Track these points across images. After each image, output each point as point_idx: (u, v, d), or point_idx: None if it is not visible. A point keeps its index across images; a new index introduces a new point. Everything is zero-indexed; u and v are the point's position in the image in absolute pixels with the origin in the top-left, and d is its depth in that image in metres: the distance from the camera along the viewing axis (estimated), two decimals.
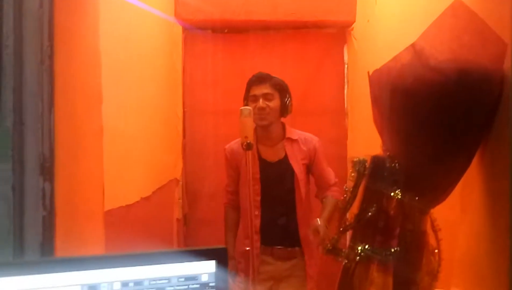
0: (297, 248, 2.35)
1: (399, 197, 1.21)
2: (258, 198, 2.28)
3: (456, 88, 1.15)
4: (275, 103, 2.32)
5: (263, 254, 2.29)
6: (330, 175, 2.39)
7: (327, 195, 2.34)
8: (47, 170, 1.00)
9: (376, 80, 1.27)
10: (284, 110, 2.35)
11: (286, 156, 2.37)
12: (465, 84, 1.14)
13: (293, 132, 2.41)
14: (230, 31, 3.38)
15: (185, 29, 3.32)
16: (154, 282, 0.80)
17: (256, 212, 2.24)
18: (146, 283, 0.80)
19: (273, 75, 2.37)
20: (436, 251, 1.31)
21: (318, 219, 2.20)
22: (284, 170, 2.35)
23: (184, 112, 3.37)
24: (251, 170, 2.18)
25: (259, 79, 2.34)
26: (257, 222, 2.26)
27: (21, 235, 0.97)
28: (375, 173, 1.22)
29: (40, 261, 0.89)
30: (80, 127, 1.21)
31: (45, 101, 1.00)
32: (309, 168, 2.39)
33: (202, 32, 3.37)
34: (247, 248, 2.24)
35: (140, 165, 2.34)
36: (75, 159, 1.16)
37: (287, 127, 2.42)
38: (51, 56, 1.00)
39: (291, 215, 2.35)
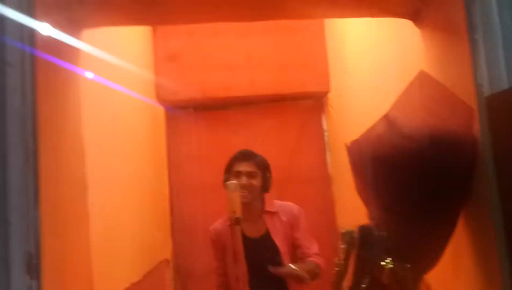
0: None
1: (391, 266, 1.20)
2: (244, 277, 2.20)
3: (430, 154, 1.18)
4: (257, 181, 2.31)
5: None
6: (312, 245, 2.29)
7: (307, 259, 2.24)
8: (33, 268, 0.97)
9: (354, 151, 1.31)
10: (265, 187, 2.33)
11: (267, 231, 2.31)
12: (438, 149, 1.18)
13: (272, 204, 2.36)
14: (211, 108, 3.46)
15: (167, 110, 3.39)
16: None
17: None
18: None
19: (256, 152, 2.39)
20: None
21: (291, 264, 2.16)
22: (267, 246, 2.28)
23: (170, 189, 3.36)
24: (236, 249, 2.16)
25: (244, 156, 2.34)
26: None
27: None
28: (364, 243, 1.22)
29: None
30: (66, 218, 1.21)
31: (30, 198, 0.99)
32: (292, 238, 2.31)
33: (183, 111, 3.44)
34: None
35: (129, 249, 2.29)
36: (62, 253, 1.15)
37: (266, 199, 2.40)
38: (35, 153, 1.01)
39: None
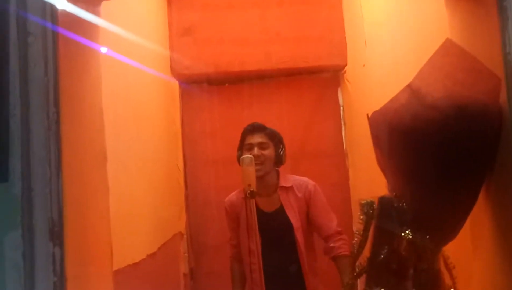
0: None
1: (410, 237, 1.20)
2: (257, 249, 2.21)
3: (455, 124, 1.16)
4: (269, 152, 2.33)
5: None
6: (331, 221, 2.30)
7: (336, 253, 2.24)
8: (56, 235, 0.99)
9: (376, 122, 1.29)
10: (278, 159, 2.36)
11: (281, 206, 2.34)
12: (463, 119, 1.16)
13: (287, 179, 2.38)
14: (226, 82, 3.45)
15: (181, 84, 3.38)
16: None
17: (255, 264, 2.19)
18: None
19: (268, 126, 2.40)
20: (452, 289, 1.28)
21: None
22: (281, 220, 2.32)
23: (184, 163, 3.38)
24: (252, 222, 2.18)
25: (254, 128, 2.37)
26: (256, 275, 2.20)
27: None
28: (383, 214, 1.21)
29: None
30: (87, 188, 1.22)
31: (53, 166, 1.00)
32: (308, 215, 2.34)
33: (198, 86, 3.43)
34: None
35: (145, 221, 2.33)
36: (83, 222, 1.16)
37: (281, 174, 2.40)
38: (57, 122, 1.02)
39: (293, 267, 2.31)
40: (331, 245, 2.26)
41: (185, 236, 3.23)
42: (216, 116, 3.37)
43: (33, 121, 0.99)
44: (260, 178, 2.28)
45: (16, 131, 0.97)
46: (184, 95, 3.43)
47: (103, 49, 1.76)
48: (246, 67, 3.27)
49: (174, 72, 3.24)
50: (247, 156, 2.16)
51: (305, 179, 2.41)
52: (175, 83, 3.34)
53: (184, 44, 3.26)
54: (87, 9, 1.35)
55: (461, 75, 1.19)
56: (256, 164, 2.22)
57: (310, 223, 2.35)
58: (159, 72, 2.90)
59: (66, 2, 1.16)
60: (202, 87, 3.44)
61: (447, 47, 1.22)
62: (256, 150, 2.30)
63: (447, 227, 1.27)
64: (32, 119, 0.99)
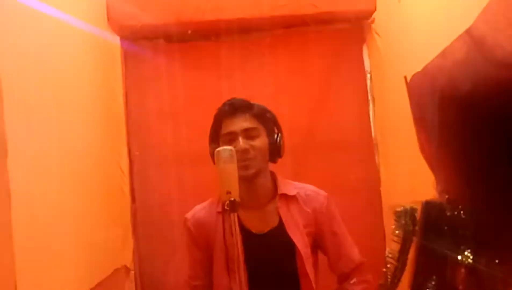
0: None
1: (470, 261, 1.20)
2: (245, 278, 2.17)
3: None
4: (261, 142, 2.26)
5: None
6: (352, 250, 2.33)
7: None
8: None
9: (419, 88, 1.29)
10: (274, 151, 2.32)
11: (281, 224, 2.29)
12: None
13: (289, 186, 2.37)
14: (192, 38, 3.42)
15: (124, 42, 3.35)
16: None
17: None
18: None
19: (252, 102, 2.34)
20: None
21: None
22: (279, 245, 2.29)
23: (130, 163, 3.37)
24: (230, 248, 2.15)
25: (236, 108, 2.27)
26: None
27: None
28: (430, 227, 1.21)
29: None
30: None
31: None
32: (317, 241, 2.35)
33: (149, 44, 3.41)
34: None
35: (71, 251, 2.31)
36: None
37: (279, 178, 2.37)
38: None
39: None
40: (349, 288, 2.29)
41: (132, 272, 3.23)
42: (178, 88, 3.36)
43: None
44: (248, 181, 2.24)
45: None
46: (129, 58, 3.40)
47: None
48: (223, 15, 3.23)
49: (113, 23, 3.20)
50: (225, 148, 2.12)
51: (312, 187, 2.40)
52: (115, 40, 3.31)
53: None
54: None
55: None
56: (242, 161, 2.21)
57: (323, 253, 2.36)
58: (90, 25, 2.87)
59: None
60: (157, 45, 3.42)
61: None
62: (241, 141, 2.23)
63: None
64: None
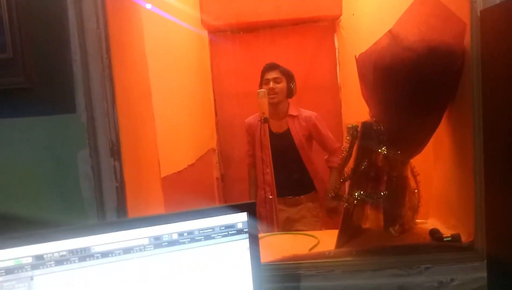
0: (302, 196, 2.34)
1: (385, 152, 1.18)
2: (268, 159, 2.21)
3: (426, 62, 1.09)
4: (282, 86, 2.27)
5: (278, 203, 2.24)
6: (332, 141, 2.33)
7: (332, 165, 2.29)
8: (115, 152, 1.00)
9: (362, 62, 1.22)
10: (289, 92, 2.30)
11: (288, 129, 2.33)
12: (433, 58, 1.09)
13: (294, 110, 2.34)
14: (245, 31, 3.31)
15: (209, 34, 3.27)
16: (202, 231, 0.81)
17: (267, 170, 2.22)
18: (196, 232, 0.81)
19: (281, 65, 2.32)
20: (416, 191, 1.28)
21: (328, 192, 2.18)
22: (286, 139, 2.32)
23: (214, 96, 3.35)
24: (265, 139, 2.18)
25: (271, 66, 2.31)
26: (268, 177, 2.21)
27: (102, 203, 0.98)
28: (365, 135, 1.18)
29: (117, 221, 0.91)
30: (137, 117, 1.21)
31: (109, 100, 0.99)
32: (311, 137, 2.34)
33: (223, 34, 3.31)
34: (270, 197, 2.26)
35: (185, 140, 2.35)
36: (135, 142, 1.17)
37: (291, 106, 2.36)
38: (109, 66, 0.99)
39: (295, 172, 2.32)
40: (332, 158, 2.31)
41: (216, 151, 3.28)
42: (238, 58, 3.27)
43: (91, 66, 0.96)
44: (274, 106, 2.26)
45: (78, 73, 0.95)
46: (212, 42, 3.32)
47: (148, 6, 1.67)
48: (260, 18, 3.11)
49: (204, 24, 3.11)
50: (261, 90, 2.10)
51: (309, 112, 2.36)
52: (205, 33, 3.22)
53: (211, 1, 3.10)
54: None
55: (433, 21, 1.10)
56: (271, 94, 2.20)
57: (317, 144, 2.36)
58: (191, 26, 2.78)
59: None
60: (226, 35, 3.31)
61: None
62: (271, 84, 2.26)
63: (415, 144, 1.24)
64: (90, 63, 0.96)
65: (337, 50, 3.28)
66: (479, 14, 0.99)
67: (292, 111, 2.34)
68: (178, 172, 2.00)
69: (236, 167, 3.32)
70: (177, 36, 2.33)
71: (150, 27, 1.56)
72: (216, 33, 3.29)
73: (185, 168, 2.20)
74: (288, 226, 2.34)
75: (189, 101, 2.54)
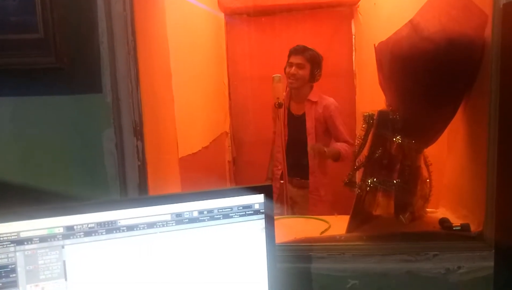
0: (307, 181, 2.36)
1: (399, 141, 1.20)
2: (285, 140, 2.29)
3: (445, 53, 1.10)
4: (304, 72, 2.25)
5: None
6: (343, 132, 2.30)
7: (336, 145, 2.28)
8: (138, 132, 1.04)
9: (381, 50, 1.23)
10: (312, 78, 2.27)
11: (303, 113, 2.34)
12: (453, 50, 1.09)
13: (315, 95, 2.32)
14: (261, 14, 3.28)
15: (226, 16, 3.26)
16: (221, 210, 0.85)
17: (279, 150, 2.27)
18: (215, 211, 0.85)
19: (309, 48, 2.27)
20: (428, 180, 1.30)
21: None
22: (301, 122, 2.33)
23: (229, 80, 3.36)
24: (281, 122, 2.21)
25: (296, 50, 2.28)
26: (280, 156, 2.28)
27: (124, 180, 1.03)
28: (380, 123, 1.20)
29: (139, 198, 0.96)
30: (158, 98, 1.25)
31: (133, 82, 1.03)
32: (326, 125, 2.32)
33: (239, 17, 3.30)
34: (282, 181, 2.30)
35: (200, 122, 2.39)
36: (156, 122, 1.21)
37: (313, 90, 2.34)
38: (134, 48, 1.02)
39: (304, 156, 2.34)
40: (338, 145, 2.30)
41: (229, 134, 3.31)
42: (253, 42, 3.27)
43: (117, 47, 0.99)
44: (295, 90, 2.29)
45: (105, 55, 0.99)
46: (228, 25, 3.31)
47: None
48: (277, 1, 3.10)
49: (221, 6, 3.10)
50: (276, 75, 2.11)
51: (331, 100, 2.33)
52: (221, 15, 3.21)
53: None
54: None
55: (454, 12, 1.10)
56: (291, 79, 2.23)
57: (330, 131, 2.35)
58: (209, 7, 2.78)
59: None
60: (242, 18, 3.30)
61: None
62: (293, 69, 2.26)
63: (429, 134, 1.26)
64: (116, 45, 1.00)
65: (353, 37, 3.24)
66: (502, 7, 0.99)
67: (313, 96, 2.33)
68: (193, 153, 2.05)
69: (248, 151, 3.36)
70: (194, 18, 2.35)
71: (169, 8, 1.57)
72: (233, 16, 3.28)
73: (200, 150, 2.24)
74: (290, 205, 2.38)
75: (204, 84, 2.56)
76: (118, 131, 1.02)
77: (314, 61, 2.26)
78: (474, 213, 1.16)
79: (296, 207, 2.37)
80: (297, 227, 1.35)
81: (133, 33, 1.01)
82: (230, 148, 3.34)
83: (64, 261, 0.77)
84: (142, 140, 1.05)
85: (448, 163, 1.36)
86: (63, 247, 0.77)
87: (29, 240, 0.74)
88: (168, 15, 1.42)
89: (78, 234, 0.77)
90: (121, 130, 1.02)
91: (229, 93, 3.37)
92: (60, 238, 0.77)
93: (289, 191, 2.34)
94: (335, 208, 2.27)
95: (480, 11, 1.08)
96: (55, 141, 0.99)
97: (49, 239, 0.76)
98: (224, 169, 3.17)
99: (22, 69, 0.95)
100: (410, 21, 1.13)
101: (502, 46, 1.00)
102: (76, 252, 0.78)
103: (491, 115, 1.05)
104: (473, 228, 1.15)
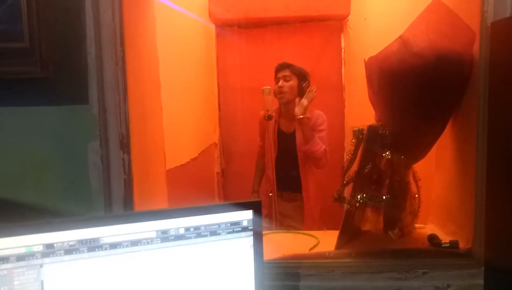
0: (298, 194, 2.32)
1: (389, 156, 1.20)
2: (274, 155, 2.25)
3: (434, 69, 1.10)
4: (292, 84, 2.23)
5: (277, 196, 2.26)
6: (324, 139, 2.22)
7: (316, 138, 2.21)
8: (125, 145, 1.02)
9: (371, 65, 1.23)
10: (300, 91, 2.22)
11: (294, 130, 2.29)
12: (441, 65, 1.10)
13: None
14: (252, 26, 3.29)
15: (217, 28, 3.26)
16: (208, 227, 0.83)
17: (270, 166, 2.25)
18: (202, 228, 0.82)
19: (293, 64, 2.28)
20: (417, 195, 1.30)
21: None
22: (292, 140, 2.29)
23: (218, 91, 3.35)
24: (271, 137, 2.18)
25: (281, 66, 2.27)
26: (270, 173, 2.26)
27: (109, 194, 1.00)
28: (370, 138, 1.20)
29: (126, 214, 0.93)
30: (146, 109, 1.23)
31: (121, 93, 1.00)
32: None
33: (230, 29, 3.30)
34: (270, 194, 2.27)
35: (189, 134, 2.36)
36: (144, 135, 1.18)
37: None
38: (123, 58, 1.00)
39: (295, 168, 2.31)
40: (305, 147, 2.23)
41: (218, 145, 3.29)
42: (244, 53, 3.27)
43: (104, 57, 0.97)
44: (284, 105, 2.25)
45: (92, 65, 0.96)
46: (219, 36, 3.31)
47: None
48: (268, 14, 3.10)
49: (212, 18, 3.10)
50: (266, 87, 2.11)
51: (319, 113, 2.28)
52: (212, 26, 3.21)
53: None
54: None
55: (443, 29, 1.11)
56: (279, 94, 2.21)
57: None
58: (200, 18, 2.78)
59: None
60: (233, 30, 3.30)
61: (435, 5, 1.13)
62: (280, 82, 2.24)
63: (418, 150, 1.26)
64: (104, 55, 0.98)
65: (343, 50, 3.27)
66: (489, 25, 1.00)
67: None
68: (181, 165, 2.01)
69: (237, 162, 3.33)
70: (185, 29, 2.34)
71: (159, 18, 1.56)
72: (224, 27, 3.29)
73: (188, 161, 2.21)
74: (280, 220, 2.35)
75: (194, 94, 2.55)
76: (104, 143, 0.99)
77: (300, 74, 2.25)
78: (463, 230, 1.15)
79: (288, 221, 2.34)
80: (286, 243, 1.33)
81: (122, 43, 0.99)
82: (219, 159, 3.32)
83: (42, 281, 0.73)
84: (128, 153, 1.02)
85: (436, 179, 1.36)
86: (41, 266, 0.73)
87: (5, 259, 0.71)
88: (158, 25, 1.40)
89: (58, 252, 0.74)
90: (107, 143, 0.99)
91: (219, 104, 3.36)
92: (39, 257, 0.73)
93: (279, 204, 2.32)
94: (324, 223, 2.26)
95: (468, 28, 1.09)
96: (37, 153, 0.96)
97: (26, 258, 0.72)
98: (212, 181, 3.14)
99: (5, 78, 0.92)
100: (400, 37, 1.14)
101: (490, 63, 1.01)
102: (55, 271, 0.74)
103: (479, 131, 1.05)
104: (462, 244, 1.14)
